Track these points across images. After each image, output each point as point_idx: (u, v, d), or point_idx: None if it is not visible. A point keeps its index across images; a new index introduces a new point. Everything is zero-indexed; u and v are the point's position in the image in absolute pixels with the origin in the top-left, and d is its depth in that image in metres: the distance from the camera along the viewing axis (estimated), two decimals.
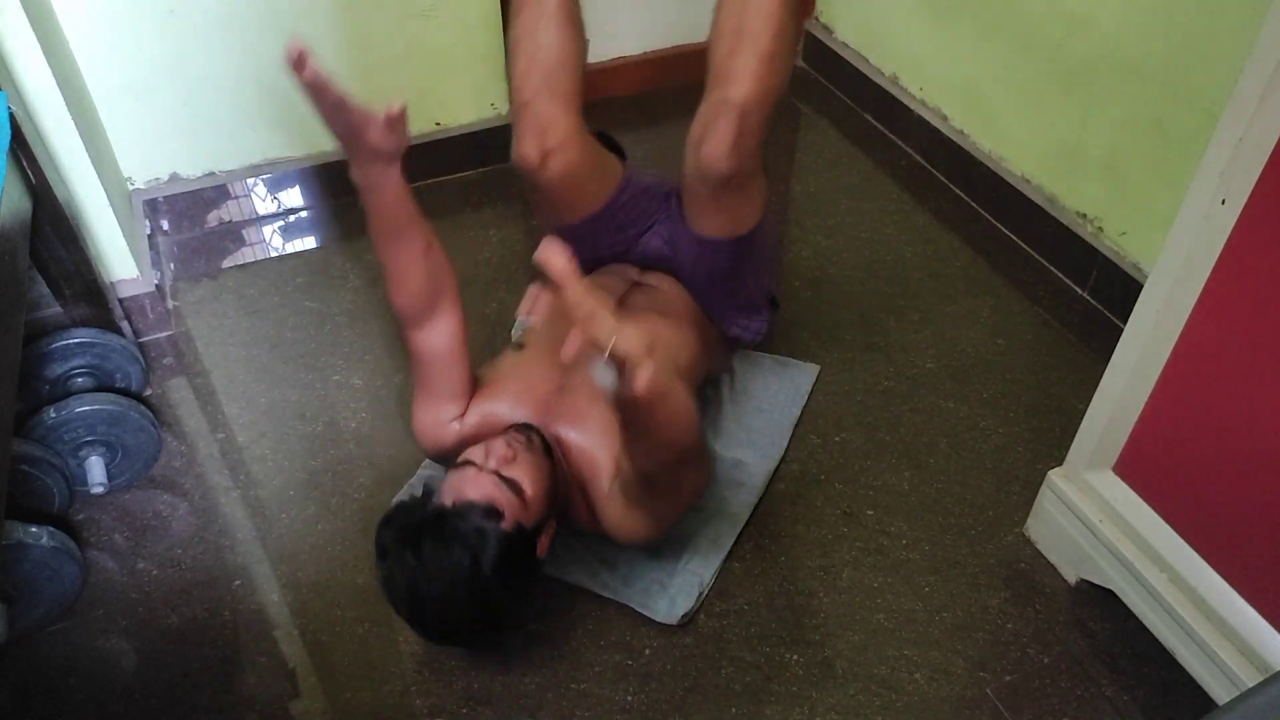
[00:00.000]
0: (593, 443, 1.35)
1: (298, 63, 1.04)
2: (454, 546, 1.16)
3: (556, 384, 1.40)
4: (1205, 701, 1.25)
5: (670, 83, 2.46)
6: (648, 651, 1.36)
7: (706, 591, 1.42)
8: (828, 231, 2.07)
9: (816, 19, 2.56)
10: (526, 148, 1.40)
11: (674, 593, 1.40)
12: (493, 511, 1.19)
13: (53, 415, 1.46)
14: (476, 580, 1.16)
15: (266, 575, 1.45)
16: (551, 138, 1.40)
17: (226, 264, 1.99)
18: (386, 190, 1.23)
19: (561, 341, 1.44)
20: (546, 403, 1.39)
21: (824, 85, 2.54)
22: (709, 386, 1.68)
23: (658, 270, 1.60)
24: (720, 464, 1.56)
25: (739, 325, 1.61)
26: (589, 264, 1.60)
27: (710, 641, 1.37)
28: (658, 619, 1.38)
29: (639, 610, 1.39)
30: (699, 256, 1.51)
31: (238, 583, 1.44)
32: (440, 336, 1.35)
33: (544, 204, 1.52)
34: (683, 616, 1.38)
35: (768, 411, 1.67)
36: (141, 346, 1.77)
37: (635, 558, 1.44)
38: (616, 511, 1.32)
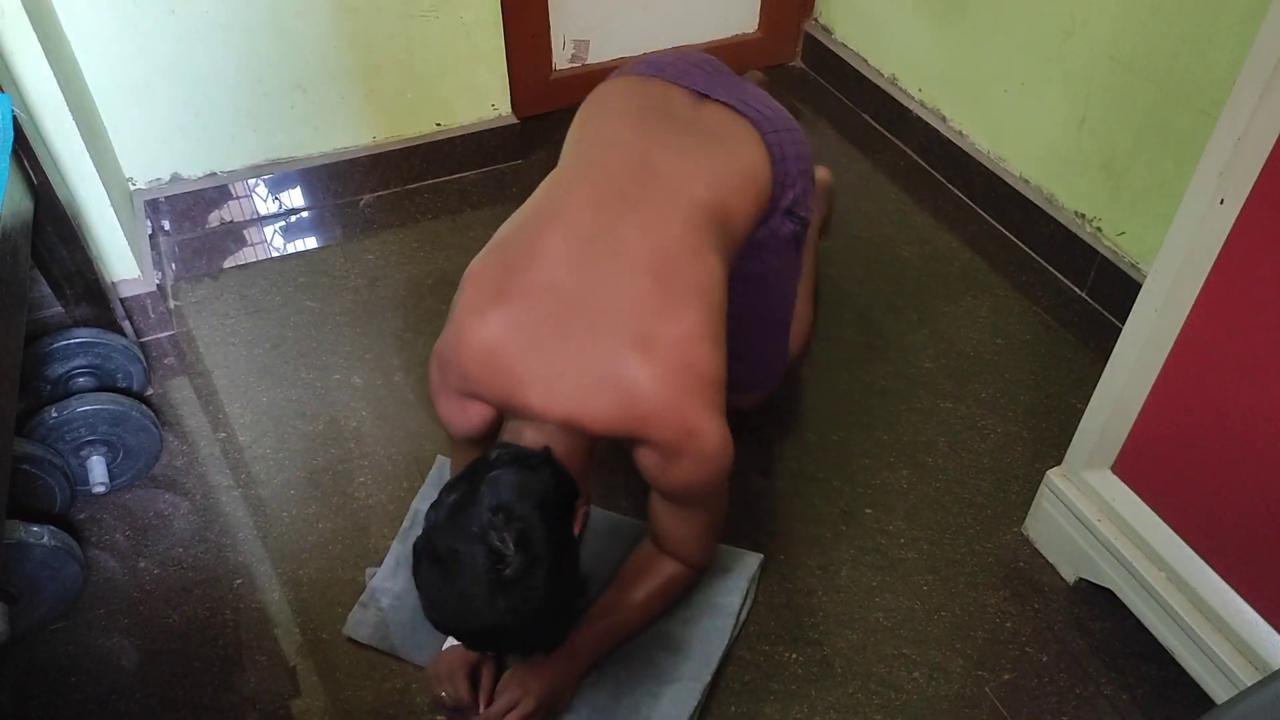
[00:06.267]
0: None
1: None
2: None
3: None
4: (1204, 700, 1.26)
5: None
6: None
7: None
8: (827, 231, 2.07)
9: (816, 19, 2.56)
10: None
11: None
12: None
13: (54, 415, 1.46)
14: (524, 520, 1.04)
15: (267, 574, 1.45)
16: None
17: (228, 264, 1.99)
18: None
19: None
20: None
21: (823, 85, 2.54)
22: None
23: None
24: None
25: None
26: None
27: None
28: None
29: None
30: None
31: (239, 581, 1.45)
32: None
33: None
34: None
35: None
36: (143, 346, 1.77)
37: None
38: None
